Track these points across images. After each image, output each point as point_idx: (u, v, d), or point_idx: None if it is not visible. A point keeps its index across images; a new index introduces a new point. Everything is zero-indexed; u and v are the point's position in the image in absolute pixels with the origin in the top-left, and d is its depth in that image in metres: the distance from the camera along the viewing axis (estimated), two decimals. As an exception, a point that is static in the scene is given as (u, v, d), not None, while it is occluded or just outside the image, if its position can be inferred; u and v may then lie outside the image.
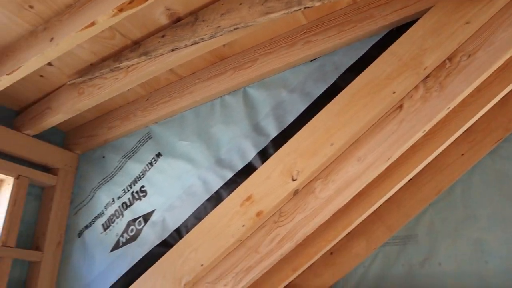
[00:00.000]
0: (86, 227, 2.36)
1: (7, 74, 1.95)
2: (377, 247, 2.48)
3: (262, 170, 1.80)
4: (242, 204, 1.78)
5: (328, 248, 2.10)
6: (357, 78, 1.74)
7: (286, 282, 2.13)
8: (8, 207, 2.23)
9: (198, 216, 1.95)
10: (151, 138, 2.30)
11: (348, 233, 2.34)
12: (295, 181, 1.71)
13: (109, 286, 2.12)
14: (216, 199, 1.92)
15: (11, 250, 2.19)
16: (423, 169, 2.23)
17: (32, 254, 2.30)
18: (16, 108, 2.45)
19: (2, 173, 2.24)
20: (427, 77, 1.67)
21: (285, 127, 1.89)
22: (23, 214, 2.31)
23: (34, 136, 2.41)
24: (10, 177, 2.28)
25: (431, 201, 2.40)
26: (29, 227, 2.39)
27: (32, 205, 2.43)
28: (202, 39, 1.83)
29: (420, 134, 1.67)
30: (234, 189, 1.85)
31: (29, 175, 2.34)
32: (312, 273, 2.55)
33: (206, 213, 1.89)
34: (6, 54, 1.98)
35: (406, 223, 2.45)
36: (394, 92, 1.67)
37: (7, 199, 2.24)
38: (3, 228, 2.19)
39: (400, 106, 1.69)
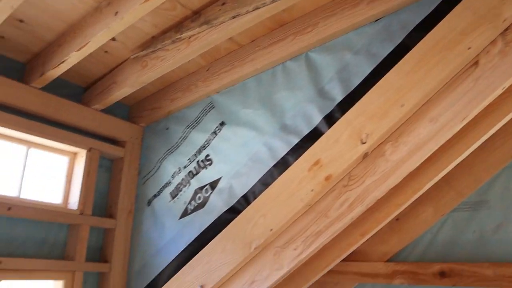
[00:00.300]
0: (155, 196, 2.45)
1: (76, 51, 2.02)
2: (446, 213, 2.40)
3: (330, 134, 1.77)
4: (310, 168, 1.77)
5: (397, 212, 2.06)
6: (429, 34, 1.65)
7: (355, 247, 2.12)
8: (83, 178, 2.36)
9: (265, 182, 1.96)
10: (213, 107, 2.33)
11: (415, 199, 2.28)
12: (364, 144, 1.67)
13: (180, 251, 2.20)
14: (282, 164, 1.93)
15: (88, 218, 2.33)
16: (496, 131, 2.11)
17: (106, 221, 2.43)
18: (83, 85, 2.55)
19: (76, 146, 2.36)
20: (506, 30, 1.55)
21: (351, 90, 1.84)
22: (96, 184, 2.43)
23: (101, 110, 2.50)
24: (83, 150, 2.40)
25: (505, 165, 2.28)
26: (102, 197, 2.52)
27: (104, 176, 2.55)
28: (263, 3, 1.81)
29: (498, 92, 1.57)
30: (301, 154, 1.84)
31: (99, 148, 2.44)
32: (378, 239, 2.51)
33: (273, 179, 1.90)
34: (74, 32, 2.05)
35: (477, 188, 2.34)
36: (469, 48, 1.58)
37: (82, 171, 2.37)
38: (80, 198, 2.32)
39: (476, 63, 1.59)
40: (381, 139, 1.68)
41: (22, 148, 2.26)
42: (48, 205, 2.26)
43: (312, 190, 1.74)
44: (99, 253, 2.46)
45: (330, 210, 1.73)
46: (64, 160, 2.43)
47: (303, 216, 1.79)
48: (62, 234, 2.32)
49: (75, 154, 2.45)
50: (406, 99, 1.65)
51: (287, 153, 1.93)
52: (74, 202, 2.33)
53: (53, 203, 2.32)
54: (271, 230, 1.81)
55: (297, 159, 1.85)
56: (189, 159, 2.34)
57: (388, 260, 2.53)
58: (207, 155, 2.26)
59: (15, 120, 2.11)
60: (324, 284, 2.67)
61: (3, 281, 2.02)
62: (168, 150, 2.47)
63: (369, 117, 1.68)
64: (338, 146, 1.73)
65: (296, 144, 1.92)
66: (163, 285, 2.20)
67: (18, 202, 2.12)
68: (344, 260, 2.41)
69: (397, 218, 2.48)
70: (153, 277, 2.29)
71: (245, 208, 1.96)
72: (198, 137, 2.34)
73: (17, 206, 2.07)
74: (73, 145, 2.34)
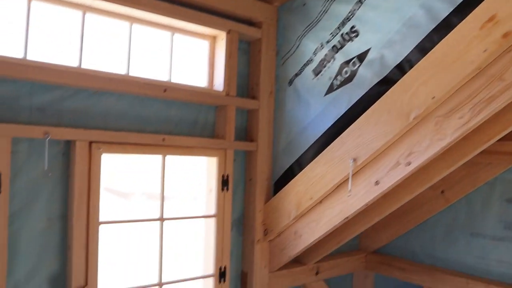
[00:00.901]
0: (296, 75, 2.41)
1: None
2: None
3: (510, -17, 1.51)
4: (483, 26, 1.55)
5: None
6: None
7: (525, 118, 1.91)
8: (225, 60, 2.40)
9: (423, 48, 1.79)
10: (357, -27, 2.13)
11: None
12: (558, -10, 1.40)
13: (327, 127, 2.19)
14: (445, 27, 1.72)
15: (234, 99, 2.41)
16: None
17: (250, 102, 2.49)
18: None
19: (216, 28, 2.37)
20: None
21: None
22: (237, 67, 2.46)
23: (235, -9, 2.44)
24: (222, 33, 2.41)
25: None
26: (243, 79, 2.57)
27: (243, 59, 2.57)
28: None
29: None
30: (469, 13, 1.61)
31: (238, 30, 2.43)
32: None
33: (433, 44, 1.72)
34: None
35: None
36: None
37: (223, 53, 2.40)
38: (224, 80, 2.38)
39: None
40: None
41: (167, 34, 2.33)
42: (196, 88, 2.36)
43: (485, 50, 1.55)
44: (245, 133, 2.57)
45: (506, 73, 1.54)
46: (205, 44, 2.48)
47: (472, 81, 1.62)
48: (211, 115, 2.44)
49: (214, 37, 2.47)
50: None
51: (451, 13, 1.71)
52: (219, 84, 2.41)
53: (200, 86, 2.42)
54: (433, 98, 1.68)
55: (463, 19, 1.63)
56: (331, 33, 2.21)
57: (554, 138, 2.28)
58: (352, 27, 2.11)
59: (159, 5, 2.14)
60: (474, 164, 2.52)
61: (168, 156, 2.23)
62: (307, 27, 2.36)
63: None
64: (521, -5, 1.48)
65: (462, 2, 1.69)
66: (310, 161, 2.24)
67: (171, 85, 2.25)
68: (499, 140, 2.20)
69: None
70: (300, 154, 2.34)
71: (399, 78, 1.84)
72: (340, 9, 2.18)
73: (171, 88, 2.19)
74: (213, 27, 2.35)
